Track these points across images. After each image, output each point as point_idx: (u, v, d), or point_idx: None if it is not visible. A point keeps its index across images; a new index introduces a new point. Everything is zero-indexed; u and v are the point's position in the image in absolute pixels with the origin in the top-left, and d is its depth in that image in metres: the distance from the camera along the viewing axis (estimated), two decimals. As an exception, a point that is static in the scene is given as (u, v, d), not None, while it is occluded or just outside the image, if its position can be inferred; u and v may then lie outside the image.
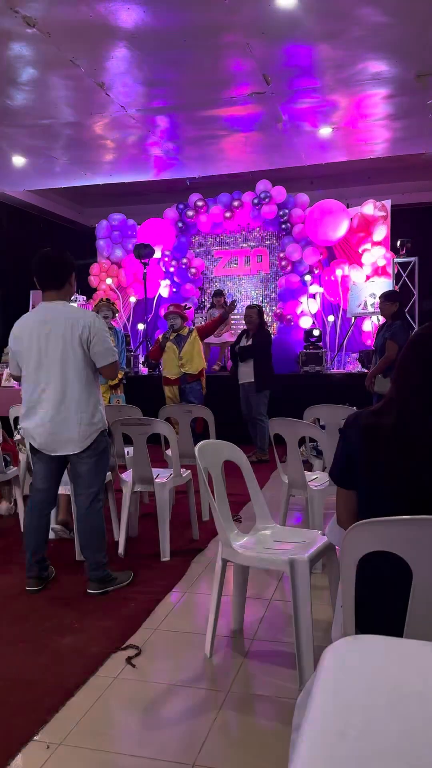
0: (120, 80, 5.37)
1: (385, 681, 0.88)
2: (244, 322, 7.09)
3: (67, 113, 6.03)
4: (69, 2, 4.15)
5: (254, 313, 6.84)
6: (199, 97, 5.72)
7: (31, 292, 9.18)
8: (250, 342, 6.77)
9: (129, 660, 2.62)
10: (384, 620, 1.72)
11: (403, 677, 0.89)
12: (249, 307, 7.00)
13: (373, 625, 1.75)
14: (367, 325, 8.64)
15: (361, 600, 1.73)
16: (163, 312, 9.61)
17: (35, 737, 2.12)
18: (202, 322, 8.96)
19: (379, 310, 6.42)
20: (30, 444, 3.29)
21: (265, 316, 7.58)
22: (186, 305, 8.86)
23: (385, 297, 6.05)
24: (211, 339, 8.27)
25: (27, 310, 8.73)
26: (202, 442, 2.70)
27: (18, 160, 7.34)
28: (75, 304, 9.26)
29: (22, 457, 4.66)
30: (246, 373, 6.75)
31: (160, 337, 6.77)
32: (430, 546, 1.55)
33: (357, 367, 8.10)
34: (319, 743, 0.73)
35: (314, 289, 8.98)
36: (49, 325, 3.14)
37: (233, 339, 8.92)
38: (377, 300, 6.95)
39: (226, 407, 7.38)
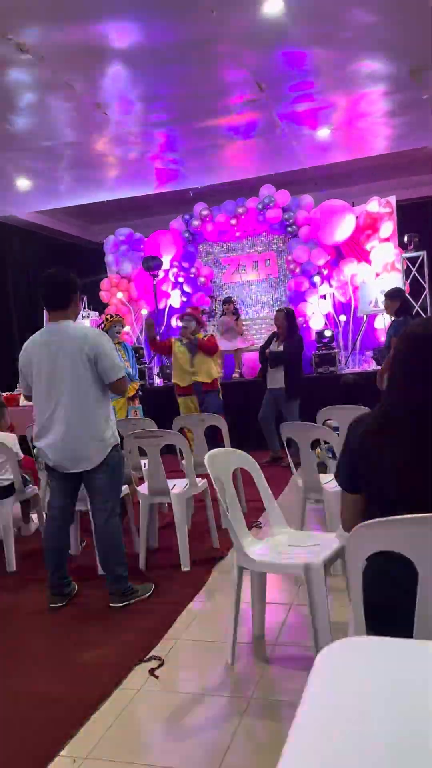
0: (117, 98, 5.45)
1: (376, 683, 0.89)
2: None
3: (68, 134, 6.13)
4: (60, 26, 4.25)
5: (281, 316, 6.69)
6: (195, 108, 5.78)
7: (45, 311, 9.29)
8: (281, 347, 6.67)
9: (152, 671, 2.65)
10: (396, 620, 1.72)
11: (394, 679, 0.91)
12: (278, 311, 6.91)
13: (386, 626, 1.75)
14: (380, 322, 8.60)
15: (374, 600, 1.74)
16: (176, 321, 9.68)
17: (61, 752, 2.15)
18: (214, 330, 8.99)
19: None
20: (45, 462, 3.34)
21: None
22: (203, 309, 8.86)
23: (388, 295, 6.06)
24: (224, 345, 8.26)
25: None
26: (211, 451, 2.72)
27: (22, 183, 7.46)
28: (87, 321, 9.39)
29: (41, 475, 4.72)
30: (276, 378, 6.63)
31: (173, 338, 6.49)
32: (434, 544, 1.55)
33: (372, 365, 8.07)
34: (305, 748, 0.75)
35: (324, 289, 8.97)
36: (56, 344, 3.20)
37: (245, 344, 8.94)
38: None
39: (241, 414, 7.40)
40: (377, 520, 1.62)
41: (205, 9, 4.14)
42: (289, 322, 6.71)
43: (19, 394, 8.05)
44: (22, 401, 7.97)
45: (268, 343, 6.87)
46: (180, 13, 4.20)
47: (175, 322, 9.68)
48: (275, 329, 6.94)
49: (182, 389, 6.27)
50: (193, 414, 5.61)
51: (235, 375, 8.70)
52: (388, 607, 1.74)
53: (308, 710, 0.84)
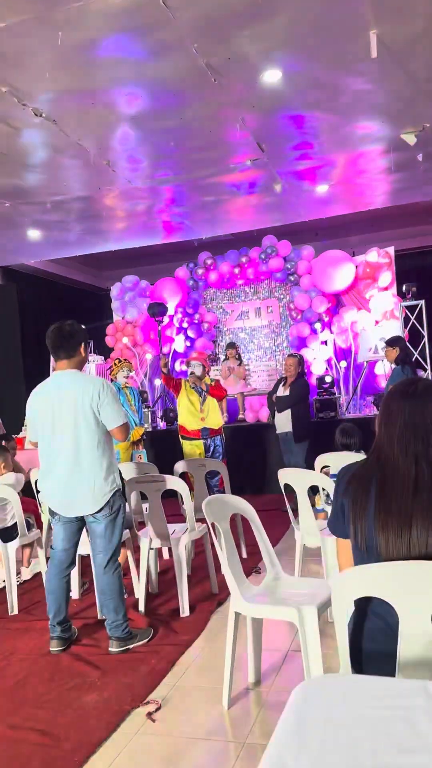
0: (125, 157, 5.73)
1: (341, 716, 1.00)
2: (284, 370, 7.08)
3: (78, 189, 6.41)
4: (72, 94, 4.53)
5: (294, 362, 6.86)
6: (200, 167, 6.06)
7: (52, 357, 9.51)
8: (287, 392, 6.80)
9: (149, 715, 2.70)
10: (382, 664, 1.80)
11: (358, 712, 1.01)
12: (289, 356, 7.06)
13: (373, 669, 1.83)
14: (380, 369, 8.76)
15: (360, 643, 1.82)
16: (180, 365, 9.86)
17: (59, 794, 2.20)
18: (219, 374, 9.16)
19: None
20: (48, 506, 3.45)
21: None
22: (209, 353, 9.01)
23: (387, 343, 6.22)
24: (228, 390, 8.40)
25: (48, 374, 9.05)
26: (209, 498, 2.83)
27: (33, 234, 7.75)
28: (93, 365, 9.59)
29: (44, 518, 4.81)
30: (283, 422, 6.74)
31: (183, 379, 6.49)
32: (414, 591, 1.65)
33: (372, 411, 8.19)
34: None
35: (325, 336, 9.16)
36: (61, 392, 3.34)
37: (247, 389, 9.10)
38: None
39: (244, 457, 7.50)
40: (360, 566, 1.72)
41: (208, 78, 4.42)
42: (300, 368, 6.93)
43: (25, 438, 8.19)
44: (27, 444, 8.09)
45: (275, 388, 7.00)
46: (184, 82, 4.48)
47: (179, 366, 9.87)
48: (276, 374, 7.09)
49: (189, 433, 6.27)
50: (194, 459, 5.70)
51: (240, 417, 8.81)
52: (373, 651, 1.82)
53: (278, 741, 0.94)
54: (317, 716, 0.98)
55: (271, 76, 4.49)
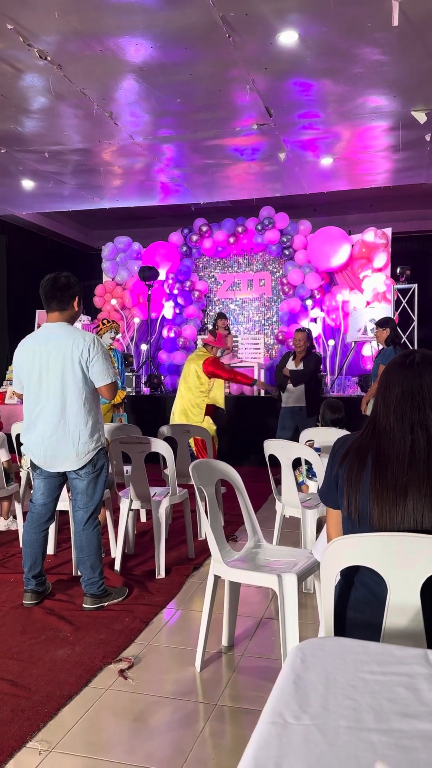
0: (128, 110, 5.57)
1: (342, 678, 0.97)
2: (293, 344, 7.04)
3: (76, 140, 6.23)
4: (80, 38, 4.36)
5: (303, 336, 6.84)
6: (204, 127, 5.91)
7: (37, 311, 9.36)
8: (301, 366, 6.76)
9: (122, 672, 2.70)
10: (366, 633, 1.80)
11: (359, 676, 0.99)
12: (298, 331, 7.01)
13: (355, 638, 1.83)
14: (367, 350, 8.77)
15: (344, 612, 1.82)
16: (167, 333, 9.77)
17: (28, 743, 2.19)
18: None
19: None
20: (30, 459, 3.39)
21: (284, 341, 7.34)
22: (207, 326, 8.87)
23: (377, 324, 6.22)
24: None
25: (33, 329, 8.91)
26: (196, 461, 2.80)
27: (27, 184, 7.55)
28: (79, 325, 9.46)
29: (22, 472, 4.77)
30: (296, 397, 6.71)
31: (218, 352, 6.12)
32: (404, 562, 1.64)
33: (357, 391, 8.21)
34: (274, 726, 0.83)
35: (315, 313, 9.12)
36: (50, 345, 3.26)
37: (234, 360, 9.05)
38: (376, 326, 7.07)
39: (226, 428, 7.48)
40: (351, 535, 1.71)
41: (222, 33, 4.28)
42: (309, 342, 6.93)
43: (5, 392, 8.09)
44: (7, 399, 8.00)
45: (284, 362, 6.96)
46: (197, 35, 4.33)
47: (166, 333, 9.75)
48: (265, 348, 7.04)
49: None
50: (179, 424, 5.67)
51: (226, 390, 8.77)
52: (356, 620, 1.82)
53: (278, 700, 0.91)
54: (317, 677, 0.95)
55: (287, 38, 4.36)
